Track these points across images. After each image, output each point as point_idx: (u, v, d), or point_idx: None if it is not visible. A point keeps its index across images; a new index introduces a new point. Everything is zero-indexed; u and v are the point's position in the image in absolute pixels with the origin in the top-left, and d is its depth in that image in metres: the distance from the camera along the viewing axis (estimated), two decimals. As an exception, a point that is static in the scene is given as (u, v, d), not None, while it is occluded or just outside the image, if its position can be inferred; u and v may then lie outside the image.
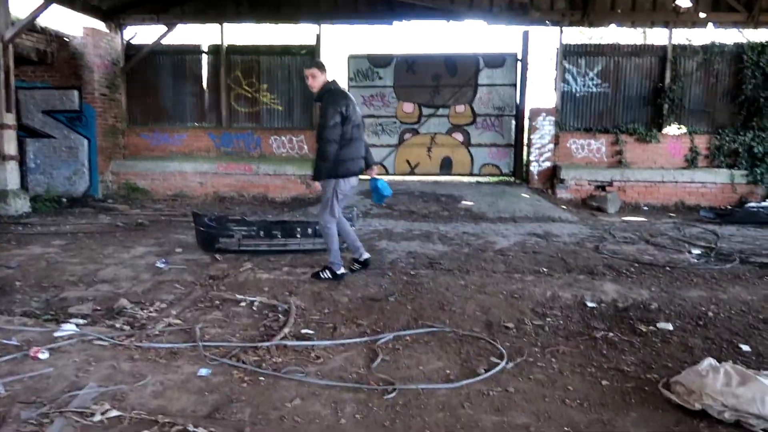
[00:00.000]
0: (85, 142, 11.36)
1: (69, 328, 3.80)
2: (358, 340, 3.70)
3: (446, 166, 12.28)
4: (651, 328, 3.95)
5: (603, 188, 10.91)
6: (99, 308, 4.37)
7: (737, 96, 11.45)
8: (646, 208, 10.65)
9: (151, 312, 4.24)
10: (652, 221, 9.13)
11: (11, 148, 9.18)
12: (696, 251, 6.57)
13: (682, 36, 11.86)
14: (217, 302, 4.44)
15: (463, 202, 9.87)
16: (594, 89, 11.75)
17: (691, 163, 11.35)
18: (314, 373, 3.22)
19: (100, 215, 9.09)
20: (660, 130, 11.53)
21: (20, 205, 9.07)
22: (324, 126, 4.78)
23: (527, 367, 3.32)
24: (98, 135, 11.37)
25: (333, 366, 3.33)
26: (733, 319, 4.14)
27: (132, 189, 11.61)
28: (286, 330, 3.82)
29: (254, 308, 4.31)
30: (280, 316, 4.14)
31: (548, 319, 4.17)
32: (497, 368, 3.25)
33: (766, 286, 5.00)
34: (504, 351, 3.49)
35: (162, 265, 5.55)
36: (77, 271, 5.40)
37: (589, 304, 4.48)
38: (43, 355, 3.32)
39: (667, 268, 5.66)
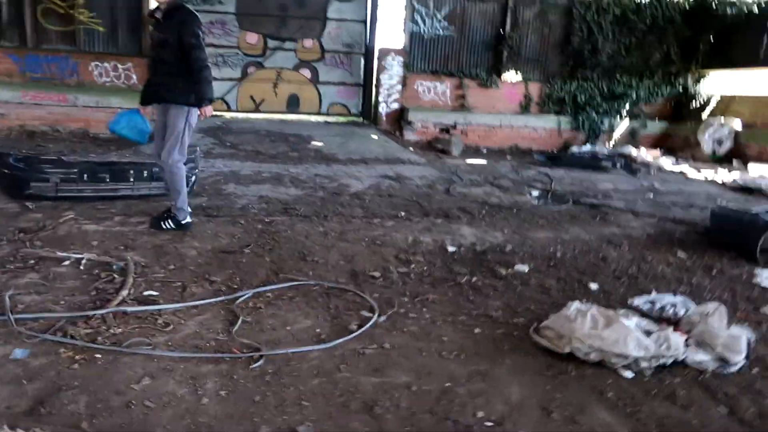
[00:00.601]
0: None
1: None
2: (212, 300, 3.28)
3: (293, 104, 11.70)
4: (510, 270, 4.05)
5: (447, 131, 11.18)
6: None
7: (566, 47, 12.29)
8: (485, 151, 11.16)
9: (-62, 277, 3.38)
10: (493, 164, 9.58)
11: None
12: (535, 193, 6.99)
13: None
14: (32, 261, 3.68)
15: (313, 143, 9.50)
16: (441, 32, 11.82)
17: (524, 109, 12.08)
18: (164, 344, 2.77)
19: None
20: (499, 76, 12.03)
21: None
22: (201, 47, 4.26)
23: (399, 319, 3.19)
24: None
25: (186, 333, 2.90)
26: (578, 259, 4.41)
27: None
28: (124, 293, 3.26)
29: (82, 267, 3.64)
30: (115, 276, 3.53)
31: (412, 265, 4.09)
32: (370, 323, 3.07)
33: (599, 226, 5.44)
34: (374, 304, 3.33)
35: None
36: None
37: (450, 249, 4.49)
38: None
39: (514, 210, 5.92)
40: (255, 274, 3.73)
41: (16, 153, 4.78)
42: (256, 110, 11.56)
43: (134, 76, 10.44)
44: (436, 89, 11.74)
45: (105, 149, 8.46)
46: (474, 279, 3.86)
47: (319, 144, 9.45)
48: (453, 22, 11.86)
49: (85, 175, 4.98)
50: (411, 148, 10.38)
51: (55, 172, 4.88)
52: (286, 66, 11.49)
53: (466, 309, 3.37)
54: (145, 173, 5.22)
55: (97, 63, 10.36)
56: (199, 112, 4.40)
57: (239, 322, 3.01)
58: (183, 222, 4.48)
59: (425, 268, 4.06)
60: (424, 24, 11.72)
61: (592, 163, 9.39)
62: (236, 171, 7.28)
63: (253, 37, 11.30)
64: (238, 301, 3.27)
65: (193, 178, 5.63)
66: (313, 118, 11.87)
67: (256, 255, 4.05)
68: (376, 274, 3.87)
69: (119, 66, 10.45)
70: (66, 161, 4.94)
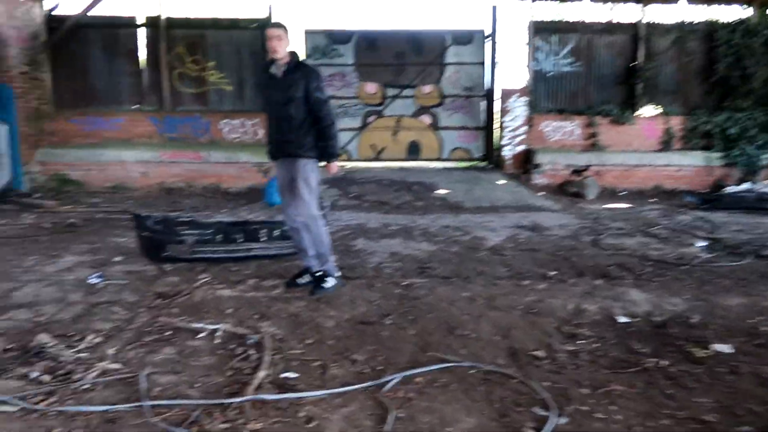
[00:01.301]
0: (4, 128, 9.93)
1: (-38, 386, 2.80)
2: (357, 386, 2.86)
3: (414, 150, 11.49)
4: (707, 351, 3.27)
5: (579, 173, 10.34)
6: (11, 346, 3.36)
7: (710, 76, 11.10)
8: (623, 193, 10.17)
9: (80, 351, 3.27)
10: (637, 208, 8.62)
11: None
12: (701, 243, 6.02)
13: (654, 13, 11.34)
14: (168, 333, 3.50)
15: (438, 191, 9.11)
16: (566, 68, 11.16)
17: (666, 145, 10.95)
18: (308, 446, 2.37)
19: (23, 214, 7.82)
20: (634, 111, 11.09)
21: (-76, 203, 7.70)
22: (329, 103, 4.20)
23: (584, 421, 2.56)
24: (19, 119, 9.96)
25: None
26: (793, 335, 3.52)
27: (63, 181, 10.27)
28: (261, 374, 2.93)
29: (217, 341, 3.40)
30: (250, 351, 3.24)
31: (580, 341, 3.44)
32: (549, 427, 2.48)
33: (803, 288, 4.44)
34: (548, 397, 2.73)
35: (96, 281, 4.52)
36: (-14, 292, 4.32)
37: (621, 320, 3.78)
38: None
39: (683, 267, 5.05)
40: (399, 350, 3.28)
41: (154, 216, 4.80)
42: (377, 158, 11.47)
43: (260, 132, 10.74)
44: (564, 128, 11.00)
45: (235, 203, 8.62)
46: (663, 362, 3.13)
47: (444, 192, 9.05)
48: (579, 57, 11.16)
49: (219, 236, 4.89)
50: (541, 193, 9.69)
51: (191, 233, 4.83)
52: (405, 113, 11.35)
53: (666, 408, 2.67)
54: (277, 232, 5.05)
55: (226, 120, 10.81)
56: (326, 168, 4.33)
57: (391, 418, 2.55)
58: (337, 276, 4.33)
59: (596, 345, 3.40)
60: (548, 61, 11.12)
61: (759, 204, 8.13)
62: (363, 224, 7.03)
63: (372, 87, 11.30)
64: (385, 389, 2.82)
65: (323, 235, 5.39)
66: (434, 165, 11.57)
67: (398, 327, 3.61)
68: (540, 353, 3.27)
69: (246, 122, 10.82)
70: (201, 222, 4.90)
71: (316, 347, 3.33)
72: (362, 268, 4.93)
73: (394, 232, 6.56)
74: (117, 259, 5.17)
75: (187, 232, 4.83)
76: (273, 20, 10.49)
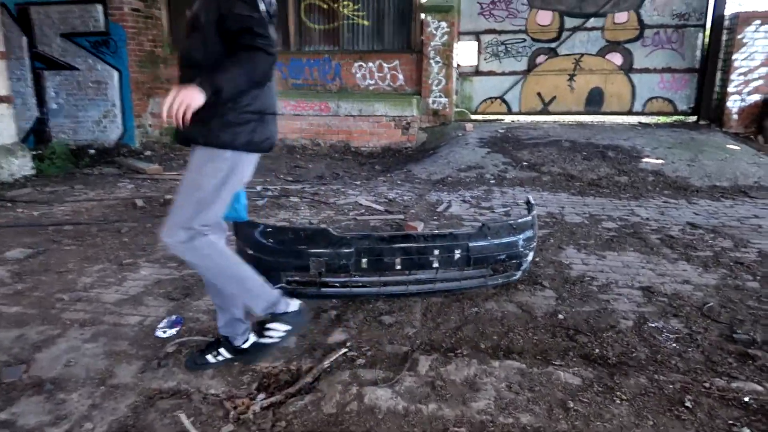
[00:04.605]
0: (116, 74, 8.70)
1: None
2: None
3: (594, 101, 8.79)
4: None
5: None
6: None
7: None
8: None
9: None
10: None
11: (2, 86, 6.55)
12: None
13: None
14: None
15: (645, 160, 6.52)
16: (836, -19, 7.76)
17: None
18: None
19: (122, 181, 6.45)
20: None
21: (17, 166, 6.54)
22: (251, 21, 1.99)
23: None
24: (131, 65, 8.66)
25: None
26: None
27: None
28: None
29: None
30: None
31: None
32: None
33: None
34: None
35: (167, 334, 2.75)
36: None
37: None
38: None
39: None
40: None
41: (264, 224, 2.89)
42: (544, 111, 8.94)
43: (400, 77, 8.64)
44: (827, 70, 7.73)
45: (369, 170, 6.69)
46: None
47: (655, 161, 6.44)
48: None
49: (364, 259, 2.90)
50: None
51: (319, 254, 2.87)
52: (588, 51, 8.62)
53: None
54: (457, 254, 2.97)
55: (360, 63, 8.77)
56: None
57: None
58: (241, 347, 2.39)
59: None
60: (808, -28, 7.78)
61: None
62: (557, 215, 4.77)
63: (546, 17, 8.65)
64: None
65: (529, 256, 3.24)
66: (621, 119, 8.83)
67: None
68: None
69: (385, 65, 8.72)
70: (336, 236, 2.90)
71: None
72: (614, 333, 2.70)
73: (615, 233, 4.23)
74: (209, 280, 3.40)
75: (313, 251, 2.88)
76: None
